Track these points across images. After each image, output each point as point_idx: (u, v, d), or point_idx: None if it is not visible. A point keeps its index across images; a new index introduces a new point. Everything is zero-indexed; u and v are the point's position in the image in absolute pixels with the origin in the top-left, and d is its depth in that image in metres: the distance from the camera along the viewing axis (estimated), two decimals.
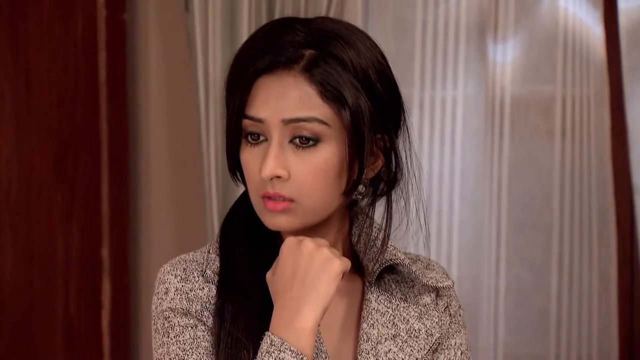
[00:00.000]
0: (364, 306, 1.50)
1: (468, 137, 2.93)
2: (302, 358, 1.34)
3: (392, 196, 1.48)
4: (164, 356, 1.41)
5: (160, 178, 3.12)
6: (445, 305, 1.55)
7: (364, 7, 2.94)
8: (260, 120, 1.40)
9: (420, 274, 1.52)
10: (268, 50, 1.39)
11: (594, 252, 2.90)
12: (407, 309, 1.52)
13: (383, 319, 1.50)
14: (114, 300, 3.01)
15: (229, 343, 1.40)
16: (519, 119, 2.94)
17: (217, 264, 1.47)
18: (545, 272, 2.94)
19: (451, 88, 2.93)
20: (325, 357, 1.45)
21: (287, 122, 1.39)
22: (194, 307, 1.42)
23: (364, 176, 1.43)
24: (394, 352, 1.48)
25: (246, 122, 1.41)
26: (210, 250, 1.48)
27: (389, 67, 1.45)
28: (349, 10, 2.87)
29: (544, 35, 2.91)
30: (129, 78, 3.08)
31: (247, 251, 1.47)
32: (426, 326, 1.51)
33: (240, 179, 1.49)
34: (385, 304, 1.51)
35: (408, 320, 1.51)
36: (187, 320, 1.42)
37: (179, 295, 1.43)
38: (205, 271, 1.45)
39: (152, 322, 1.45)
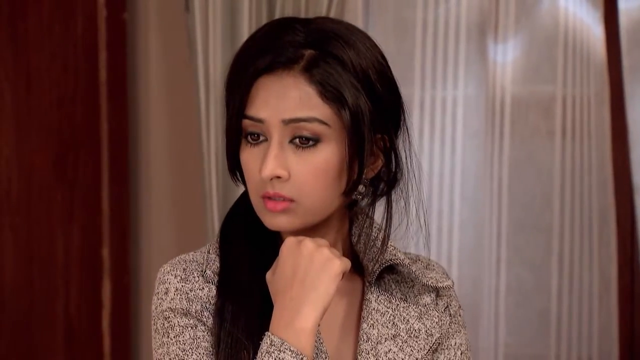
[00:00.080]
0: (364, 306, 1.50)
1: (468, 137, 2.93)
2: (302, 358, 1.34)
3: (392, 196, 1.48)
4: (163, 356, 1.41)
5: (160, 178, 3.12)
6: (445, 305, 1.55)
7: (364, 7, 2.94)
8: (260, 121, 1.40)
9: (420, 274, 1.52)
10: (268, 51, 1.39)
11: (595, 252, 2.90)
12: (407, 309, 1.52)
13: (383, 319, 1.50)
14: (115, 300, 3.01)
15: (229, 343, 1.40)
16: (520, 119, 2.94)
17: (217, 264, 1.47)
18: (546, 272, 2.94)
19: (451, 88, 2.93)
20: (325, 357, 1.45)
21: (287, 122, 1.39)
22: (194, 307, 1.42)
23: (364, 176, 1.43)
24: (394, 352, 1.48)
25: (246, 122, 1.41)
26: (210, 251, 1.48)
27: (388, 67, 1.45)
28: (349, 10, 2.87)
29: (544, 36, 2.91)
30: (129, 78, 3.08)
31: (247, 251, 1.47)
32: (426, 326, 1.51)
33: (240, 179, 1.49)
34: (385, 304, 1.51)
35: (408, 320, 1.51)
36: (187, 320, 1.42)
37: (179, 296, 1.43)
38: (205, 271, 1.45)
39: (152, 322, 1.45)
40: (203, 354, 1.40)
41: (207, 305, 1.43)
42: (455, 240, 2.94)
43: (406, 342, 1.50)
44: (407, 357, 1.49)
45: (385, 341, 1.49)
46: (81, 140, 2.93)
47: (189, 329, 1.41)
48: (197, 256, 1.48)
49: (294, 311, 1.36)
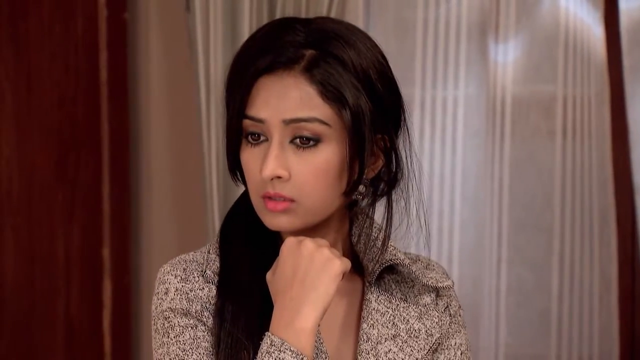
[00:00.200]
0: (364, 306, 1.50)
1: (469, 137, 2.93)
2: (302, 358, 1.34)
3: (393, 196, 1.48)
4: (164, 356, 1.41)
5: (161, 178, 3.12)
6: (445, 305, 1.55)
7: (365, 7, 2.94)
8: (260, 121, 1.40)
9: (420, 274, 1.52)
10: (268, 51, 1.39)
11: (595, 252, 2.90)
12: (407, 309, 1.52)
13: (383, 319, 1.50)
14: (115, 300, 3.01)
15: (229, 343, 1.40)
16: (520, 119, 2.94)
17: (217, 264, 1.47)
18: (546, 272, 2.94)
19: (452, 88, 2.93)
20: (325, 357, 1.45)
21: (287, 122, 1.39)
22: (194, 307, 1.42)
23: (364, 176, 1.43)
24: (394, 352, 1.48)
25: (247, 122, 1.41)
26: (210, 251, 1.48)
27: (389, 67, 1.45)
28: (350, 10, 2.87)
29: (545, 36, 2.91)
30: (130, 78, 3.08)
31: (247, 251, 1.47)
32: (426, 326, 1.51)
33: (240, 179, 1.49)
34: (385, 304, 1.51)
35: (408, 321, 1.51)
36: (187, 320, 1.42)
37: (179, 296, 1.43)
38: (205, 271, 1.45)
39: (152, 322, 1.45)
40: (203, 354, 1.40)
41: (207, 305, 1.43)
42: (456, 240, 2.94)
43: (406, 342, 1.50)
44: (407, 357, 1.49)
45: (385, 341, 1.49)
46: (82, 140, 2.93)
47: (189, 329, 1.41)
48: (197, 256, 1.48)
49: (294, 311, 1.36)
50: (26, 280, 2.84)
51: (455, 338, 1.55)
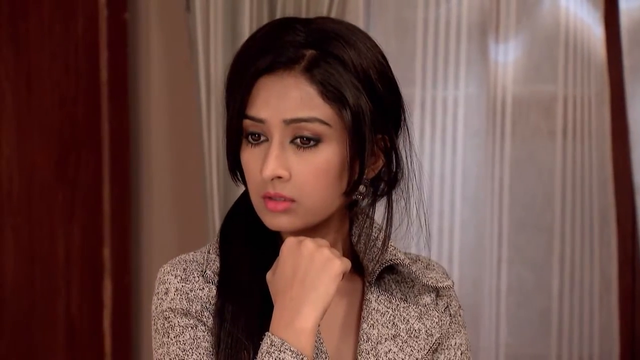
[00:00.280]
0: (364, 306, 1.50)
1: (469, 137, 2.93)
2: (302, 358, 1.34)
3: (393, 196, 1.48)
4: (164, 356, 1.41)
5: (161, 178, 3.12)
6: (445, 305, 1.55)
7: (365, 7, 2.94)
8: (261, 121, 1.40)
9: (420, 274, 1.52)
10: (269, 51, 1.39)
11: (595, 252, 2.91)
12: (407, 309, 1.52)
13: (383, 319, 1.50)
14: (115, 300, 3.01)
15: (229, 343, 1.40)
16: (520, 119, 2.94)
17: (217, 264, 1.47)
18: (547, 272, 2.94)
19: (452, 88, 2.93)
20: (325, 357, 1.45)
21: (288, 122, 1.39)
22: (194, 307, 1.42)
23: (364, 176, 1.43)
24: (394, 352, 1.48)
25: (247, 122, 1.41)
26: (210, 251, 1.48)
27: (389, 67, 1.45)
28: (350, 10, 2.87)
29: (545, 36, 2.91)
30: (130, 78, 3.08)
31: (247, 251, 1.47)
32: (426, 326, 1.51)
33: (240, 179, 1.49)
34: (385, 304, 1.51)
35: (408, 321, 1.51)
36: (187, 320, 1.42)
37: (179, 296, 1.43)
38: (205, 271, 1.45)
39: (152, 322, 1.45)
40: (203, 354, 1.40)
41: (207, 306, 1.43)
42: (456, 240, 2.95)
43: (406, 342, 1.50)
44: (407, 357, 1.49)
45: (386, 341, 1.49)
46: (82, 140, 2.93)
47: (189, 329, 1.41)
48: (197, 256, 1.48)
49: (294, 311, 1.36)
50: (26, 280, 2.84)
51: (455, 338, 1.55)
